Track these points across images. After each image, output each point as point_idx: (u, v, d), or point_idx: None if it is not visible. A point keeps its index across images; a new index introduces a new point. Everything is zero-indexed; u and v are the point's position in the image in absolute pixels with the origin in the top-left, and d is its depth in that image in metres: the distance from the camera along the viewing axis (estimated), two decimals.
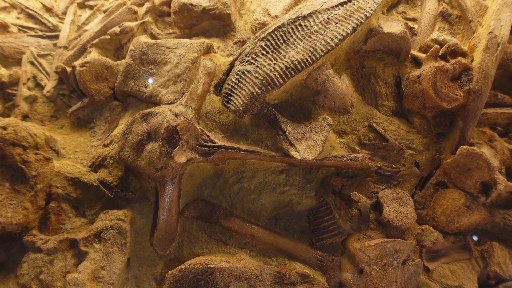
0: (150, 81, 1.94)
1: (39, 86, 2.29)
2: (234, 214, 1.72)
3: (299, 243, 1.66)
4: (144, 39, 2.05)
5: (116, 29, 2.18)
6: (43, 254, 1.69)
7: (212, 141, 1.73)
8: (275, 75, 1.74)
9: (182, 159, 1.65)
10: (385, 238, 1.57)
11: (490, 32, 1.73)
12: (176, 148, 1.67)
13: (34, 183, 1.86)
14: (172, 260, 1.70)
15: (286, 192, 1.74)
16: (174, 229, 1.71)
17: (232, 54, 2.07)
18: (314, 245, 1.66)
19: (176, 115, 1.75)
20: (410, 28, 1.93)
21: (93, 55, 2.13)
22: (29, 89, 2.29)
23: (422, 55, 1.82)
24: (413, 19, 1.97)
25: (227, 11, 2.16)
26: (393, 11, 1.99)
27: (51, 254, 1.69)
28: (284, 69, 1.74)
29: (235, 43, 2.09)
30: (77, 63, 2.10)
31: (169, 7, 2.30)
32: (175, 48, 1.98)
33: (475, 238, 1.74)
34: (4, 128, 1.98)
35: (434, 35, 1.88)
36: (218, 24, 2.25)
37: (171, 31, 2.31)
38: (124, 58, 2.23)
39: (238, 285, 1.54)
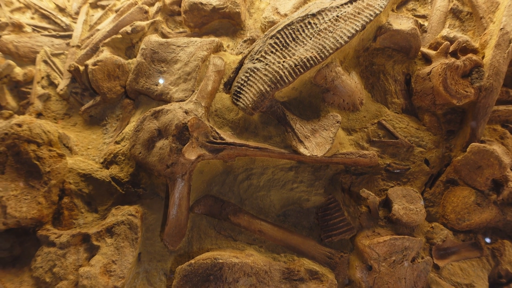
0: (161, 80, 1.97)
1: (52, 84, 2.34)
2: (243, 211, 1.73)
3: (308, 239, 1.67)
4: (155, 38, 2.08)
5: (128, 28, 2.21)
6: (56, 248, 1.73)
7: (221, 138, 1.75)
8: (284, 72, 1.74)
9: (192, 155, 1.68)
10: (394, 235, 1.56)
11: (501, 29, 1.71)
12: (186, 145, 1.69)
13: (48, 179, 1.90)
14: (182, 255, 1.72)
15: (295, 189, 1.74)
16: (184, 225, 1.73)
17: (241, 52, 2.08)
18: (322, 242, 1.67)
19: (186, 112, 1.77)
20: (420, 25, 1.92)
21: (105, 54, 2.16)
22: (43, 87, 2.33)
23: (432, 52, 1.81)
24: (423, 16, 1.96)
25: (237, 10, 2.18)
26: (403, 8, 1.99)
27: (64, 248, 1.73)
28: (293, 66, 1.74)
29: (245, 41, 2.10)
30: (89, 62, 2.14)
31: (179, 6, 2.33)
32: (185, 46, 2.00)
33: (488, 240, 1.72)
34: (19, 125, 2.02)
35: (445, 32, 1.87)
36: (227, 23, 2.27)
37: (181, 30, 2.34)
38: (135, 56, 2.26)
39: (247, 280, 1.56)
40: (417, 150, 1.74)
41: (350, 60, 1.86)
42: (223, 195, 1.80)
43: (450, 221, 1.65)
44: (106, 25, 2.34)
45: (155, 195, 1.82)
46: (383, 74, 1.85)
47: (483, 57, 1.74)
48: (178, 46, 2.02)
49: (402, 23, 1.86)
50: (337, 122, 1.69)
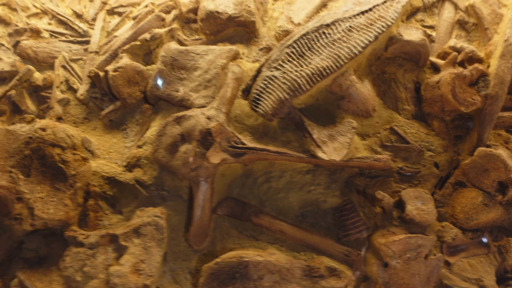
0: (181, 86, 2.05)
1: (71, 89, 2.40)
2: (264, 212, 1.83)
3: (326, 239, 1.77)
4: (174, 45, 2.16)
5: (147, 35, 2.29)
6: (85, 248, 1.81)
7: (243, 143, 1.84)
8: (302, 81, 1.84)
9: (216, 160, 1.77)
10: (408, 234, 1.67)
11: (506, 40, 1.83)
12: (210, 150, 1.78)
13: (74, 181, 1.98)
14: (206, 255, 1.82)
15: (313, 191, 1.85)
16: (208, 225, 1.82)
17: (257, 60, 2.17)
18: (340, 241, 1.77)
19: (208, 118, 1.86)
20: (428, 35, 2.03)
21: (125, 60, 2.24)
22: (62, 92, 2.40)
23: (440, 62, 1.92)
24: (431, 27, 2.07)
25: (252, 19, 2.26)
26: (412, 19, 2.10)
27: (93, 248, 1.81)
28: (311, 75, 1.84)
29: (261, 49, 2.20)
30: (109, 68, 2.22)
31: (195, 14, 2.41)
32: (204, 54, 2.09)
33: (484, 239, 1.82)
34: (43, 130, 2.10)
35: (452, 42, 1.98)
36: (242, 31, 2.35)
37: (197, 37, 2.42)
38: (152, 63, 2.34)
39: (271, 277, 1.66)
40: (427, 154, 1.86)
41: (363, 68, 1.96)
42: (244, 197, 1.90)
43: (459, 221, 1.77)
44: (124, 32, 2.41)
45: (178, 197, 1.91)
46: (394, 82, 1.96)
47: (488, 67, 1.86)
48: (198, 54, 2.11)
49: (412, 33, 1.97)
50: (353, 128, 1.79)
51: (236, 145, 1.83)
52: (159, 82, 2.10)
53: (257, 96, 1.94)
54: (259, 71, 2.02)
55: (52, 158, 2.03)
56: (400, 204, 1.76)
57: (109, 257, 1.79)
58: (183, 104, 2.03)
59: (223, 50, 2.08)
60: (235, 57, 2.11)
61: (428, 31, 2.04)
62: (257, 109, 1.91)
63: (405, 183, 1.82)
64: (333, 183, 1.84)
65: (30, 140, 2.08)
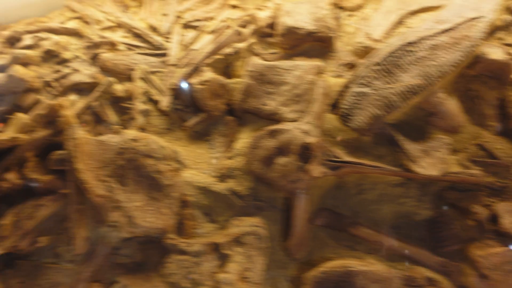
0: (270, 100, 2.14)
1: (151, 101, 2.49)
2: (360, 223, 1.91)
3: (421, 250, 1.85)
4: (259, 60, 2.25)
5: (229, 50, 2.38)
6: (189, 255, 1.90)
7: (338, 157, 1.93)
8: (395, 98, 1.93)
9: (318, 173, 1.85)
10: (504, 246, 1.75)
11: None
12: (310, 163, 1.87)
13: (169, 191, 2.07)
14: (304, 263, 1.90)
15: (405, 204, 1.93)
16: (306, 235, 1.91)
17: (339, 76, 2.25)
18: (435, 252, 1.85)
19: (305, 132, 1.95)
20: (508, 54, 2.11)
21: (209, 74, 2.33)
22: (142, 103, 2.49)
23: None
24: (510, 45, 2.15)
25: (330, 35, 2.35)
26: (491, 37, 2.18)
27: (197, 256, 1.89)
28: (403, 92, 1.93)
29: (343, 65, 2.28)
30: (194, 81, 2.31)
31: (272, 28, 2.50)
32: (291, 69, 2.18)
33: None
34: (135, 140, 2.19)
35: None
36: (318, 46, 2.44)
37: (272, 51, 2.51)
38: (231, 76, 2.43)
39: (374, 286, 1.74)
40: None
41: (449, 86, 2.04)
42: (337, 208, 1.98)
43: None
44: (204, 46, 2.50)
45: (273, 208, 1.99)
46: (479, 99, 2.04)
47: None
48: (284, 69, 2.19)
49: (495, 52, 2.05)
50: (447, 144, 1.88)
51: (333, 158, 1.91)
52: (248, 95, 2.19)
53: (348, 112, 2.03)
54: (346, 86, 2.11)
55: (146, 168, 2.12)
56: (494, 218, 1.84)
57: (213, 265, 1.88)
58: (273, 118, 2.12)
59: (310, 66, 2.16)
60: (321, 72, 2.20)
61: (510, 49, 2.12)
62: (350, 124, 2.00)
63: (495, 197, 1.90)
64: (424, 196, 1.92)
65: (123, 151, 2.17)
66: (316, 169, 1.86)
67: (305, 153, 1.89)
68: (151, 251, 2.08)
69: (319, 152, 1.89)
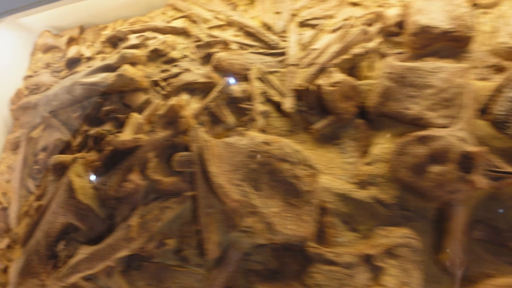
0: (413, 104, 2.03)
1: (269, 101, 2.43)
2: None
3: None
4: (397, 62, 2.14)
5: (359, 50, 2.28)
6: (341, 267, 1.82)
7: (499, 167, 1.80)
8: None
9: (482, 184, 1.74)
10: None
11: None
12: (474, 174, 1.75)
13: (309, 197, 2.00)
14: (461, 279, 1.79)
15: None
16: (463, 249, 1.79)
17: (485, 78, 2.11)
18: None
19: (462, 140, 1.83)
20: None
21: (339, 75, 2.23)
22: (261, 104, 2.42)
23: None
24: None
25: (469, 34, 2.21)
26: None
27: (349, 267, 1.82)
28: None
29: (488, 67, 2.14)
30: (323, 82, 2.22)
31: (399, 27, 2.38)
32: (435, 72, 2.05)
33: None
34: (267, 143, 2.13)
35: None
36: (449, 46, 2.30)
37: (398, 51, 2.38)
38: (357, 78, 2.32)
39: None
40: None
41: None
42: (491, 220, 1.86)
43: None
44: (327, 45, 2.40)
45: (423, 218, 1.89)
46: None
47: None
48: (426, 71, 2.07)
49: None
50: None
51: (494, 169, 1.79)
52: (387, 99, 2.09)
53: (504, 118, 1.89)
54: (499, 91, 1.97)
55: (282, 173, 2.06)
56: None
57: (366, 277, 1.80)
58: (417, 123, 2.01)
59: (458, 68, 2.03)
60: (467, 75, 2.07)
61: None
62: (508, 132, 1.86)
63: None
64: None
65: (255, 154, 2.11)
66: (480, 180, 1.74)
67: (466, 162, 1.78)
68: (287, 259, 2.03)
69: (482, 161, 1.77)
